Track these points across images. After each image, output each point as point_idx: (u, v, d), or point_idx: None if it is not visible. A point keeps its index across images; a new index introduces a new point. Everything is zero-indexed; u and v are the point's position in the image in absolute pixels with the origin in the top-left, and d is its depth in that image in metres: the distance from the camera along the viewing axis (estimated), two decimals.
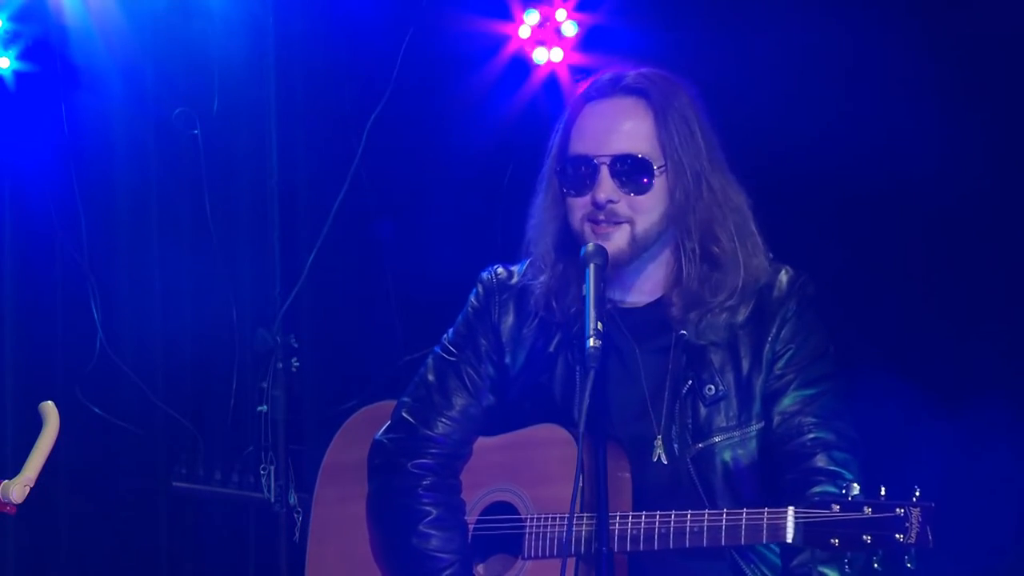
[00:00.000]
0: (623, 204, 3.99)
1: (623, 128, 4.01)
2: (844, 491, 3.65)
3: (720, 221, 4.03)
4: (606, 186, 3.99)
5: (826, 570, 3.88)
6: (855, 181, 5.66)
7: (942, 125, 5.47)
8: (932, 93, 5.55)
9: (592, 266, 3.85)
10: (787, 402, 4.01)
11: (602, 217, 3.99)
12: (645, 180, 3.99)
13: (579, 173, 4.03)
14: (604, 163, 3.99)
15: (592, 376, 3.68)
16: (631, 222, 3.99)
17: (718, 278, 4.02)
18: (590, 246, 3.90)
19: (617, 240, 3.99)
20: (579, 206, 4.04)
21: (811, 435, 3.98)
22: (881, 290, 5.70)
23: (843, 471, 3.94)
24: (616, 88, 4.07)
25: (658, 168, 3.99)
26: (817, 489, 3.90)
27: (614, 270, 3.99)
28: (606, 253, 3.91)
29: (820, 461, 3.95)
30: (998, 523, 5.31)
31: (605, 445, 3.76)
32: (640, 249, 4.02)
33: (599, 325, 3.74)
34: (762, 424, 4.03)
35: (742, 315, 4.02)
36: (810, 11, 5.70)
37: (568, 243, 4.08)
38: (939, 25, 5.54)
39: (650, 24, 5.97)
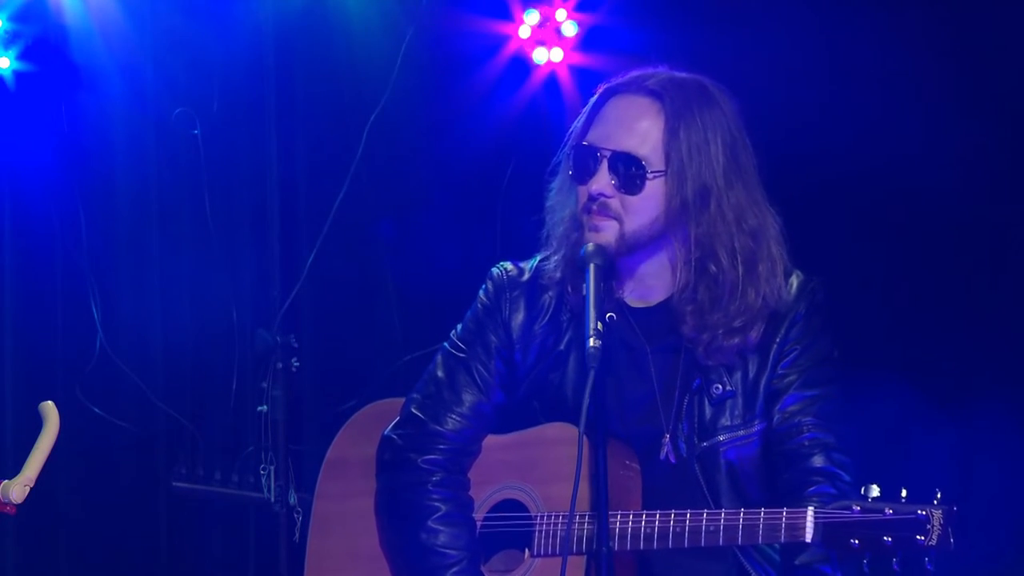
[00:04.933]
0: (615, 201, 3.98)
1: (632, 126, 4.01)
2: (863, 491, 3.64)
3: (723, 240, 3.99)
4: (602, 179, 3.99)
5: (827, 569, 3.90)
6: (861, 186, 5.64)
7: (948, 129, 5.46)
8: (933, 95, 5.54)
9: (592, 266, 3.87)
10: (788, 401, 4.02)
11: (595, 208, 3.99)
12: (637, 182, 3.98)
13: (584, 162, 4.03)
14: (606, 156, 4.00)
15: (592, 376, 3.69)
16: (620, 220, 3.98)
17: (716, 296, 3.99)
18: (590, 246, 3.92)
19: (606, 234, 3.98)
20: (581, 193, 4.05)
21: (810, 435, 3.99)
22: (886, 293, 5.69)
23: (841, 472, 3.95)
24: (638, 86, 4.05)
25: (652, 172, 3.97)
26: (814, 489, 3.91)
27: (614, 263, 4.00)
28: (606, 253, 3.92)
29: (818, 461, 3.96)
30: (1001, 526, 5.31)
31: (605, 444, 3.75)
32: (629, 248, 4.00)
33: (599, 325, 3.75)
34: (765, 424, 4.04)
35: (754, 336, 4.01)
36: (812, 10, 5.69)
37: (580, 227, 4.06)
38: (953, 27, 5.53)
39: (650, 24, 5.97)
